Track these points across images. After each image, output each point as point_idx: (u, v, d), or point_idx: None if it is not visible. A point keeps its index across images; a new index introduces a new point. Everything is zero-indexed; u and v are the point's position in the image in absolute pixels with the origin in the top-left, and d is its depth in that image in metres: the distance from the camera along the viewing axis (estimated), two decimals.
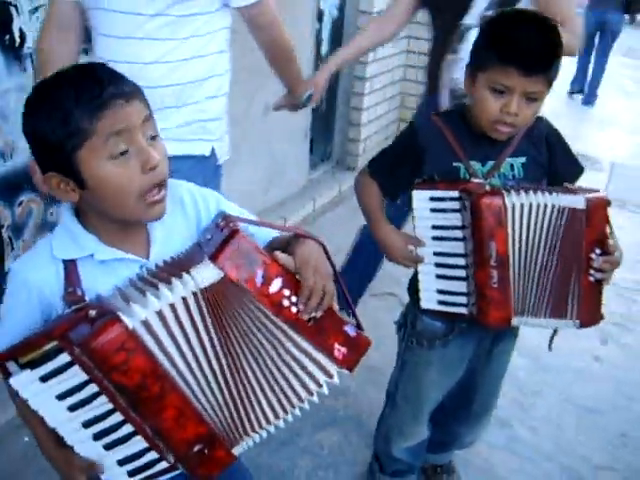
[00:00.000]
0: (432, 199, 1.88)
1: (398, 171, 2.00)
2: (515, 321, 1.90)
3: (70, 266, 1.32)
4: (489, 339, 2.10)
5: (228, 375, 1.35)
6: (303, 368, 1.42)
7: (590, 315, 1.94)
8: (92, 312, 1.22)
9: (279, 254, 1.35)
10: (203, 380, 1.33)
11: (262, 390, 1.40)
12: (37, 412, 1.26)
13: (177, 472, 1.38)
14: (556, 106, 8.03)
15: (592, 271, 1.87)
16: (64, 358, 1.21)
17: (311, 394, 1.45)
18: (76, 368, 1.22)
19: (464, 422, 2.35)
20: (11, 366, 1.23)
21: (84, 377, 1.23)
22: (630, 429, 2.98)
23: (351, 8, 4.85)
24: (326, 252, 1.43)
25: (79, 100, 1.19)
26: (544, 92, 1.79)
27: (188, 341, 1.29)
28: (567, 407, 3.09)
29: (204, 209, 1.51)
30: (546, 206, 1.81)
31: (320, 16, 4.63)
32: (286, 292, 1.33)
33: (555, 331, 2.09)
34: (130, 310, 1.23)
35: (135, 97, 1.25)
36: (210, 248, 1.31)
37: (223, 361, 1.34)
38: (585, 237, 1.85)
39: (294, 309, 1.34)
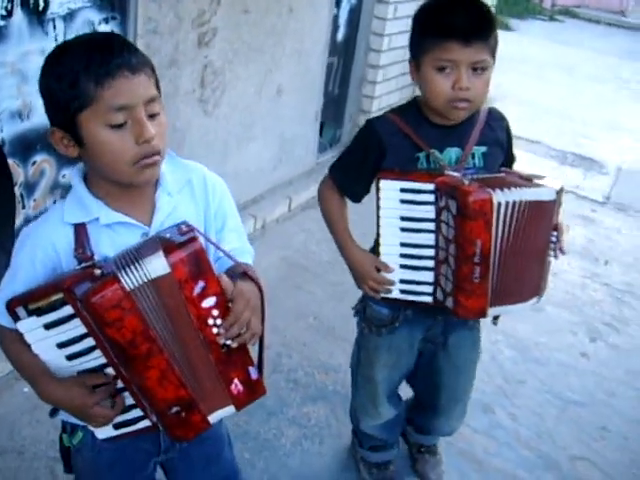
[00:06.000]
0: (403, 190, 1.89)
1: (359, 170, 2.02)
2: (490, 312, 1.94)
3: (80, 229, 1.41)
4: (439, 328, 2.14)
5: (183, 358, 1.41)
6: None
7: (543, 289, 2.03)
8: (97, 271, 1.31)
9: (224, 276, 1.41)
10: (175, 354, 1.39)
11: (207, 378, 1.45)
12: (39, 356, 1.36)
13: (157, 432, 1.49)
14: (566, 110, 8.07)
15: (552, 252, 1.95)
16: (67, 310, 1.31)
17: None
18: (77, 320, 1.32)
19: (436, 414, 2.41)
20: (20, 312, 1.33)
21: (83, 330, 1.33)
22: (609, 423, 3.06)
23: None
24: (262, 300, 1.50)
25: (88, 66, 1.28)
26: (488, 62, 1.82)
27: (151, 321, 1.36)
28: (550, 398, 3.17)
29: (212, 199, 1.58)
30: (522, 202, 1.84)
31: (338, 2, 4.69)
32: (214, 312, 1.38)
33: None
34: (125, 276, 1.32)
35: (142, 71, 1.33)
36: (166, 245, 1.35)
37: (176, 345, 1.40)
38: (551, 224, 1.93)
39: (215, 330, 1.39)
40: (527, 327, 3.57)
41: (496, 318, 2.13)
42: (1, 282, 1.46)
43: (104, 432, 1.47)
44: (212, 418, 1.47)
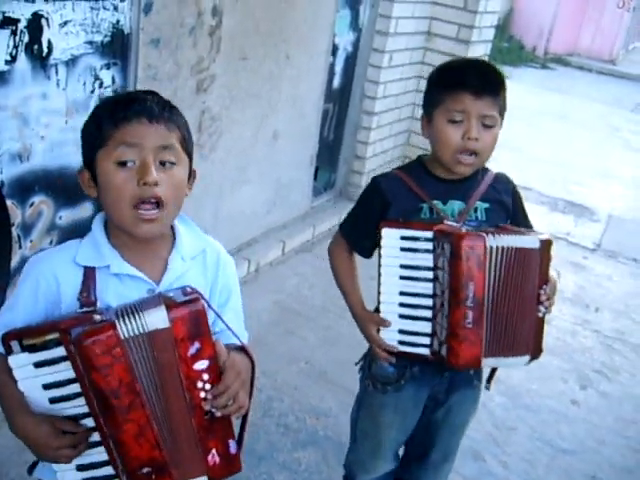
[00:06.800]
0: (403, 238, 1.93)
1: (365, 223, 2.06)
2: (484, 362, 1.94)
3: (89, 273, 1.44)
4: (443, 386, 2.13)
5: (164, 418, 1.38)
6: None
7: (538, 349, 2.01)
8: (97, 317, 1.34)
9: (219, 342, 1.41)
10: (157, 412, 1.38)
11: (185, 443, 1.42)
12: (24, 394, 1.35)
13: None
14: (557, 157, 8.17)
15: (541, 307, 1.95)
16: (60, 351, 1.33)
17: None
18: (67, 364, 1.33)
19: (424, 469, 2.36)
20: (14, 346, 1.34)
21: (72, 374, 1.33)
22: (599, 471, 3.07)
23: (365, 45, 5.01)
24: (253, 376, 1.51)
25: (112, 112, 1.39)
26: (497, 119, 1.93)
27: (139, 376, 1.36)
28: (540, 445, 3.18)
29: (222, 275, 1.61)
30: (510, 248, 1.88)
31: (335, 50, 4.78)
32: (205, 377, 1.37)
33: (494, 369, 2.15)
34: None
35: (162, 122, 1.40)
36: (168, 302, 1.36)
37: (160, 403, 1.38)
38: (538, 275, 1.94)
39: (202, 394, 1.37)
40: (518, 374, 3.57)
41: (489, 381, 2.16)
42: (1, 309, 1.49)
43: (68, 477, 1.43)
44: None
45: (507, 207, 2.08)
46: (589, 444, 3.25)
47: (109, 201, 1.41)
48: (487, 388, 2.19)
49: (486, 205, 2.02)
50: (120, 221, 1.43)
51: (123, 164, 1.37)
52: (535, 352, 2.01)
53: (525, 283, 1.93)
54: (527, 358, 1.99)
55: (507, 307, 1.92)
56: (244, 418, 1.52)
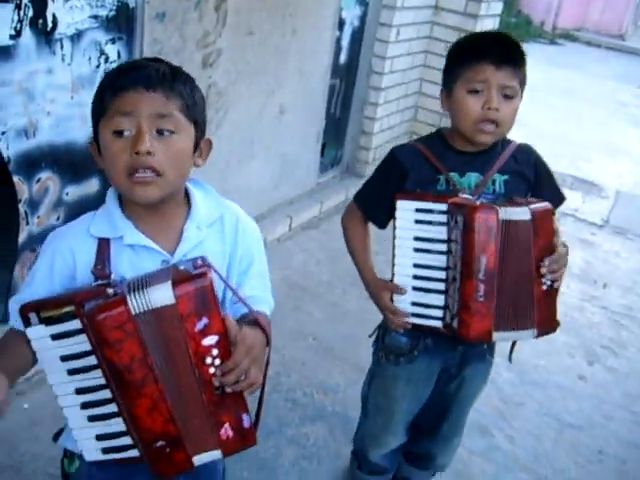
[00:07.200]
0: (418, 210, 1.93)
1: (382, 194, 2.05)
2: (495, 336, 1.94)
3: (103, 244, 1.44)
4: (456, 360, 2.14)
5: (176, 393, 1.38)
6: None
7: (546, 323, 1.98)
8: (110, 290, 1.33)
9: (229, 317, 1.37)
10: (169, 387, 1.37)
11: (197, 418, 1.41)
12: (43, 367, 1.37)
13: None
14: (565, 133, 8.12)
15: (543, 279, 1.92)
16: (76, 324, 1.33)
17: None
18: (83, 336, 1.33)
19: (434, 442, 2.38)
20: (32, 318, 1.35)
21: (88, 347, 1.34)
22: (606, 446, 3.08)
23: (372, 19, 4.96)
24: (268, 352, 1.47)
25: (112, 81, 1.38)
26: (517, 89, 1.92)
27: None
28: (547, 420, 3.19)
29: (241, 241, 1.59)
30: (510, 221, 1.85)
31: (341, 25, 4.74)
32: (214, 352, 1.34)
33: (514, 343, 2.16)
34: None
35: (160, 90, 1.37)
36: (177, 276, 1.34)
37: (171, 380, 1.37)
38: (535, 246, 1.90)
39: (212, 370, 1.35)
40: (525, 349, 3.56)
41: (511, 353, 2.17)
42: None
43: (92, 454, 1.45)
44: (197, 460, 1.43)
45: (528, 179, 2.05)
46: (596, 419, 3.25)
47: (109, 171, 1.40)
48: (510, 361, 2.19)
49: (505, 177, 2.00)
50: (119, 190, 1.43)
51: (120, 133, 1.36)
52: (546, 326, 1.98)
53: (522, 255, 1.90)
54: (533, 332, 1.97)
55: (509, 280, 1.90)
56: (261, 393, 1.50)
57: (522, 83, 1.95)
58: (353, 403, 3.01)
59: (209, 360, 1.35)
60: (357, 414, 2.51)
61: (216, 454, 1.44)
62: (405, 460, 2.52)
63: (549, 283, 1.93)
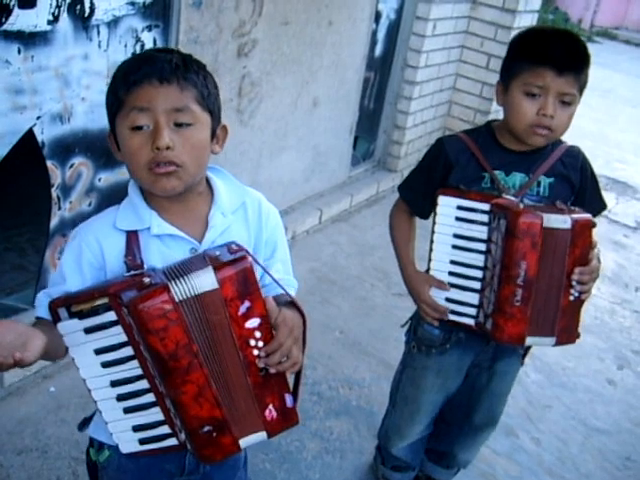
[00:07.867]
0: (460, 208, 1.91)
1: (425, 185, 2.04)
2: (528, 341, 1.91)
3: (132, 236, 1.44)
4: (488, 354, 2.12)
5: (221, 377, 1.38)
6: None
7: (567, 333, 1.93)
8: (146, 280, 1.32)
9: (270, 299, 1.39)
10: (214, 372, 1.38)
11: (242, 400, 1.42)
12: (73, 361, 1.37)
13: (181, 453, 1.45)
14: (600, 133, 8.00)
15: (572, 290, 1.87)
16: (110, 316, 1.33)
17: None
18: (118, 328, 1.33)
19: (463, 435, 2.37)
20: (62, 313, 1.34)
21: (123, 338, 1.34)
22: (634, 453, 3.03)
23: (408, 12, 4.91)
24: (305, 330, 1.49)
25: (125, 75, 1.37)
26: (576, 97, 1.86)
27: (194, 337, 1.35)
28: (575, 424, 3.14)
29: (265, 226, 1.59)
30: (559, 229, 1.82)
31: (377, 17, 4.70)
32: (257, 334, 1.36)
33: (529, 347, 2.12)
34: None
35: (174, 82, 1.36)
36: (215, 262, 1.35)
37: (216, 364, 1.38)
38: (570, 256, 1.86)
39: (255, 352, 1.37)
40: (554, 351, 3.52)
41: (523, 357, 2.16)
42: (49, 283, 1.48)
43: (129, 446, 1.45)
44: (243, 442, 1.43)
45: (573, 183, 2.01)
46: (624, 425, 3.20)
47: (129, 165, 1.40)
48: (521, 364, 2.18)
49: (550, 180, 1.97)
50: (141, 183, 1.43)
51: (138, 128, 1.35)
52: (567, 335, 1.94)
53: (557, 263, 1.86)
54: (553, 339, 1.92)
55: (542, 286, 1.87)
56: (299, 372, 1.51)
57: (582, 87, 1.89)
58: (378, 398, 3.00)
59: (252, 342, 1.36)
60: (382, 410, 2.50)
61: (262, 435, 1.44)
62: (428, 459, 2.52)
63: (577, 294, 1.89)
